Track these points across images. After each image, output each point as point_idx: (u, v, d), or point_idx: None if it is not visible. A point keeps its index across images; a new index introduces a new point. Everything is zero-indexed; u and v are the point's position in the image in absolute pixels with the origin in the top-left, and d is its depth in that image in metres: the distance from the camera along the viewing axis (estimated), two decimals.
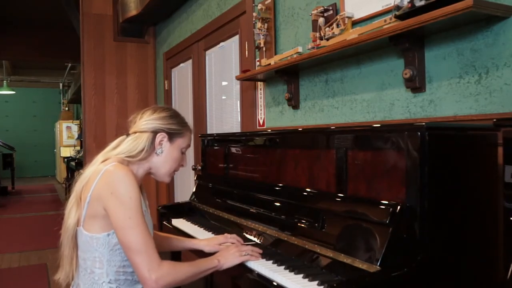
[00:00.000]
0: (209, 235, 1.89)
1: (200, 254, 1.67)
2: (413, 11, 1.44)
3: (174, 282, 1.29)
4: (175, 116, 1.50)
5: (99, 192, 1.31)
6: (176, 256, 2.28)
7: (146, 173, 1.49)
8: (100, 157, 1.42)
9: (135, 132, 1.45)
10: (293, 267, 1.34)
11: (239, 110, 3.10)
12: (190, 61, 4.02)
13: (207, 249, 1.63)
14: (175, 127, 1.48)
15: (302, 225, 1.50)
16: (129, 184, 1.30)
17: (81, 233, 1.37)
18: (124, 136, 1.47)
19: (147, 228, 1.32)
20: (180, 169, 1.56)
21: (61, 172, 11.75)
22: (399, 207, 1.18)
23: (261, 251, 1.50)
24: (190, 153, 4.01)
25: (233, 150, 2.17)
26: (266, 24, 2.52)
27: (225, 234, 1.67)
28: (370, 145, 1.34)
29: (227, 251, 1.48)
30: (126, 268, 1.38)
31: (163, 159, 1.47)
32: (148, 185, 5.00)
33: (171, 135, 1.47)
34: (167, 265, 1.29)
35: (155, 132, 1.44)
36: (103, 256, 1.35)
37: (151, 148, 1.44)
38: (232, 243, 1.60)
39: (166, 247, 1.71)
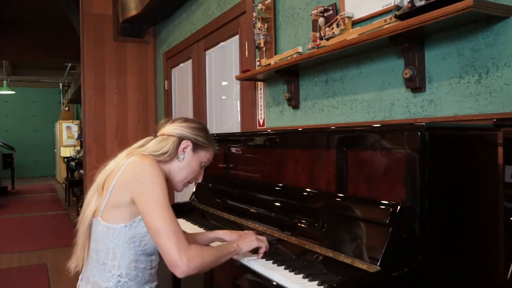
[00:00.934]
0: None
1: None
2: (413, 11, 1.44)
3: (202, 265, 1.29)
4: (204, 130, 1.54)
5: (124, 180, 1.34)
6: None
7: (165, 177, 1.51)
8: (124, 153, 1.45)
9: (162, 135, 1.48)
10: (293, 267, 1.34)
11: (239, 110, 3.10)
12: (190, 61, 4.02)
13: (227, 238, 1.62)
14: (202, 139, 1.51)
15: (302, 225, 1.50)
16: (155, 171, 1.33)
17: (97, 223, 1.38)
18: (151, 137, 1.50)
19: (173, 212, 1.33)
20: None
21: (61, 172, 11.75)
22: (399, 207, 1.18)
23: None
24: None
25: (233, 150, 2.17)
26: (266, 24, 2.52)
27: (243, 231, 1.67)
28: (370, 145, 1.34)
29: (245, 236, 1.51)
30: (139, 264, 1.38)
31: (182, 166, 1.49)
32: None
33: (196, 146, 1.50)
34: (195, 248, 1.30)
35: (181, 138, 1.48)
36: (117, 248, 1.35)
37: (175, 153, 1.46)
38: None
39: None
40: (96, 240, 1.38)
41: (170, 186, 1.53)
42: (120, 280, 1.36)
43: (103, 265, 1.36)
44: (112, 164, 1.42)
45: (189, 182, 1.55)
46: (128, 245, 1.36)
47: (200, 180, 1.58)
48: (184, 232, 1.73)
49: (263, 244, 1.49)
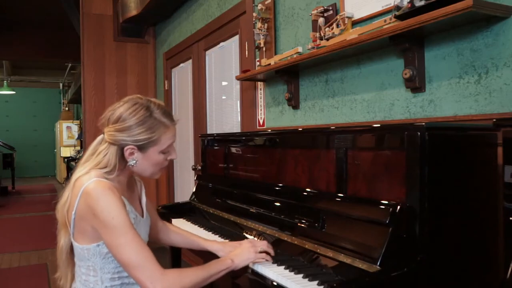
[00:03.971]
0: (210, 235, 1.89)
1: (207, 256, 1.63)
2: (413, 11, 1.44)
3: None
4: (145, 121, 1.30)
5: (82, 212, 1.28)
6: (175, 254, 2.28)
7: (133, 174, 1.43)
8: (78, 172, 1.33)
9: (105, 141, 1.33)
10: (293, 267, 1.34)
11: (239, 110, 3.10)
12: (190, 61, 4.02)
13: (221, 254, 1.54)
14: (144, 136, 1.30)
15: (302, 225, 1.50)
16: (109, 203, 1.23)
17: (73, 244, 1.37)
18: (102, 136, 1.36)
19: (141, 240, 1.26)
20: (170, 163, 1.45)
21: (61, 172, 11.76)
22: (399, 207, 1.18)
23: (272, 251, 1.47)
24: (190, 153, 4.01)
25: (233, 150, 2.17)
26: (266, 24, 2.52)
27: (239, 242, 1.56)
28: (370, 145, 1.34)
29: (241, 248, 1.42)
30: (121, 273, 1.35)
31: (141, 167, 1.35)
32: (148, 185, 4.99)
33: (141, 146, 1.31)
34: (171, 273, 1.24)
35: (121, 146, 1.31)
36: (96, 265, 1.33)
37: (123, 160, 1.33)
38: None
39: (177, 242, 1.67)
40: (77, 257, 1.37)
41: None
42: None
43: (87, 281, 1.35)
44: (66, 195, 1.33)
45: (161, 169, 1.40)
46: (106, 260, 1.33)
47: (175, 157, 1.41)
48: (171, 227, 1.69)
49: (265, 255, 1.42)
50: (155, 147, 1.33)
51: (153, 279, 1.20)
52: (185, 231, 1.69)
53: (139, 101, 1.34)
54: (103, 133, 1.35)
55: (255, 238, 1.68)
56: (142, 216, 1.47)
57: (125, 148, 1.31)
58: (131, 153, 1.32)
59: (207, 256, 1.61)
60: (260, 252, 1.44)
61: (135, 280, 1.26)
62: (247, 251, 1.40)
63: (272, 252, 1.46)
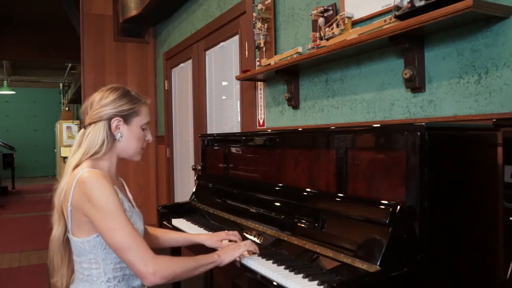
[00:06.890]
0: None
1: (201, 251, 1.66)
2: (413, 11, 1.44)
3: (173, 274, 1.28)
4: (124, 95, 1.45)
5: (77, 202, 1.31)
6: (175, 253, 2.28)
7: (119, 160, 1.48)
8: (71, 161, 1.39)
9: (90, 124, 1.42)
10: (293, 267, 1.34)
11: (239, 110, 3.10)
12: (190, 61, 4.02)
13: (208, 243, 1.63)
14: (127, 107, 1.43)
15: (302, 225, 1.50)
16: (103, 189, 1.29)
17: (71, 240, 1.38)
18: (83, 130, 1.44)
19: (133, 226, 1.30)
20: (146, 146, 1.53)
21: (61, 172, 11.73)
22: (399, 207, 1.18)
23: (257, 249, 1.50)
24: (190, 153, 4.01)
25: (233, 150, 2.17)
26: (266, 24, 2.52)
27: (226, 231, 1.67)
28: (370, 145, 1.34)
29: (227, 246, 1.49)
30: (123, 264, 1.38)
31: (126, 142, 1.44)
32: (148, 185, 5.00)
33: (126, 117, 1.43)
34: (163, 258, 1.28)
35: (108, 119, 1.41)
36: (98, 257, 1.35)
37: (111, 136, 1.41)
38: (233, 241, 1.60)
39: (166, 242, 1.70)
40: (76, 254, 1.39)
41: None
42: (109, 285, 1.36)
43: (90, 275, 1.36)
44: (63, 182, 1.38)
45: (142, 148, 1.50)
46: (107, 251, 1.35)
47: (150, 140, 1.51)
48: (157, 229, 1.73)
49: (249, 247, 1.47)
50: (137, 118, 1.45)
51: (145, 262, 1.25)
52: (171, 231, 1.76)
53: (113, 85, 1.50)
54: (84, 125, 1.43)
55: (255, 238, 1.68)
56: (134, 208, 1.50)
57: (112, 120, 1.41)
58: (117, 126, 1.42)
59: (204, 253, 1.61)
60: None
61: (127, 264, 1.29)
62: (232, 249, 1.46)
63: (256, 249, 1.49)
